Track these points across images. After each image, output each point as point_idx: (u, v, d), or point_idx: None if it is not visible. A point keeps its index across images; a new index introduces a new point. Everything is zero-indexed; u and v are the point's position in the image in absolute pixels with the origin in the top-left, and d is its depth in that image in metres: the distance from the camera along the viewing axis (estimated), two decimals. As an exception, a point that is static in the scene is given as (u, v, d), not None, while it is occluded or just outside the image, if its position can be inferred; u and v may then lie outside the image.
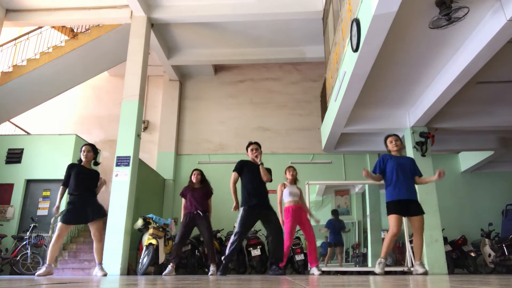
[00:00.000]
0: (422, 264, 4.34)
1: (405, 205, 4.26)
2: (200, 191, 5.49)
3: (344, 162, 9.32)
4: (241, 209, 4.66)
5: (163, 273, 5.21)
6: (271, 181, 4.80)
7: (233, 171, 4.83)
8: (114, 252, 6.12)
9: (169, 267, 5.19)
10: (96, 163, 4.91)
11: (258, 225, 5.13)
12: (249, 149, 4.88)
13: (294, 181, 5.45)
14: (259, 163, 4.75)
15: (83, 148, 4.76)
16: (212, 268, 5.26)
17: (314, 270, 5.18)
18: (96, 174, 4.83)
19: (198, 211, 5.32)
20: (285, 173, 5.49)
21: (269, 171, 4.85)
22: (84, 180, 4.64)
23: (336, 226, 7.07)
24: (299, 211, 5.26)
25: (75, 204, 4.54)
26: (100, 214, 4.65)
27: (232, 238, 4.63)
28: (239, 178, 4.84)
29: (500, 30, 3.67)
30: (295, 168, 5.54)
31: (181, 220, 5.42)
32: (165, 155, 9.61)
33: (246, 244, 7.30)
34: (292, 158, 9.37)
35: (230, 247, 4.60)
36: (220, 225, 7.85)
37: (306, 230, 5.27)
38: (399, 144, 4.50)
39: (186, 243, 5.66)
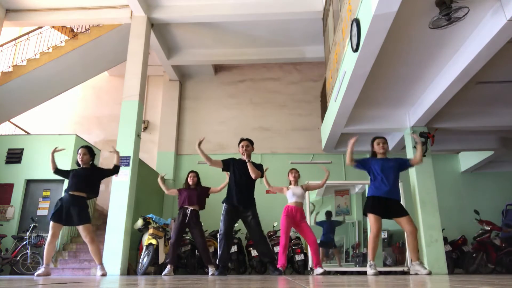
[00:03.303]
0: (422, 264, 4.32)
1: (384, 204, 4.29)
2: (196, 191, 5.56)
3: (344, 162, 9.30)
4: (223, 206, 4.72)
5: (163, 273, 5.23)
6: (261, 176, 4.79)
7: (222, 160, 4.86)
8: (114, 252, 6.12)
9: (168, 267, 5.21)
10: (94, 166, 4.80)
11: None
12: (240, 145, 4.84)
13: (296, 182, 5.46)
14: (246, 160, 4.69)
15: (79, 151, 4.68)
16: (211, 268, 5.25)
17: (318, 270, 5.02)
18: (97, 170, 4.77)
19: (191, 210, 5.37)
20: (288, 176, 5.51)
21: (260, 166, 4.81)
22: (81, 180, 4.56)
23: (328, 226, 7.04)
24: (297, 213, 5.19)
25: (64, 202, 4.48)
26: (81, 221, 4.47)
27: (218, 239, 4.65)
28: (223, 168, 4.86)
29: (500, 30, 3.66)
30: (298, 170, 5.57)
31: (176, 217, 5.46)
32: (165, 155, 9.61)
33: (246, 244, 7.30)
34: (292, 158, 9.37)
35: (219, 248, 4.63)
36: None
37: (305, 233, 5.18)
38: (386, 147, 4.52)
39: (182, 241, 5.65)
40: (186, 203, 5.44)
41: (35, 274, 4.43)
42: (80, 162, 4.66)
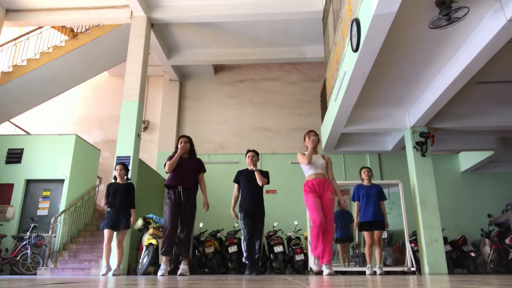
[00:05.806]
0: (381, 267, 5.32)
1: (371, 224, 5.41)
2: (189, 161, 4.46)
3: (344, 162, 9.31)
4: (239, 215, 4.99)
5: (178, 272, 4.32)
6: (268, 183, 5.08)
7: (234, 181, 5.21)
8: (114, 252, 6.11)
9: (183, 264, 4.36)
10: (128, 179, 5.53)
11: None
12: (246, 155, 5.18)
13: (316, 149, 4.32)
14: (253, 169, 4.99)
15: (117, 167, 5.47)
16: (183, 266, 4.30)
17: (324, 268, 4.04)
18: (131, 185, 5.50)
19: (184, 189, 4.34)
20: (304, 140, 4.39)
21: (266, 173, 5.10)
22: (119, 195, 5.26)
23: (343, 219, 6.47)
24: (322, 187, 4.15)
25: (111, 213, 5.22)
26: (126, 226, 5.27)
27: (243, 243, 4.88)
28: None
29: (500, 30, 3.67)
30: (317, 133, 4.44)
31: (165, 200, 4.53)
32: (165, 155, 9.55)
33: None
34: (292, 158, 9.36)
35: (245, 250, 4.86)
36: (220, 225, 7.85)
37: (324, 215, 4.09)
38: (370, 175, 5.67)
39: (178, 229, 4.37)
40: (176, 180, 4.33)
41: (112, 274, 5.13)
42: (118, 177, 5.42)
